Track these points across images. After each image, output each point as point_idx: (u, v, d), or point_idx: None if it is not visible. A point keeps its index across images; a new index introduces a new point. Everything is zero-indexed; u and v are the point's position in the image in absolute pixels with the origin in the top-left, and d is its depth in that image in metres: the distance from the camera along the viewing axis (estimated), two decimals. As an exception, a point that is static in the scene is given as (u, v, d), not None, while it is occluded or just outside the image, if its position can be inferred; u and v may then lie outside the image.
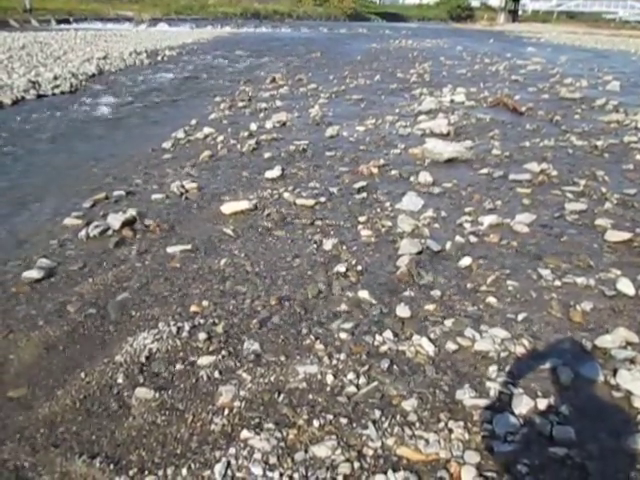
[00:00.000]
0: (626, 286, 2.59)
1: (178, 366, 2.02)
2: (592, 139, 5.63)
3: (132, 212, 3.45)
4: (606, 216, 3.53)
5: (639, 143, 5.50)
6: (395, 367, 2.00)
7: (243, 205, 3.58)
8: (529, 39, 33.41)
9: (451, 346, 2.13)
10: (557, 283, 2.65)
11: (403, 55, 17.04)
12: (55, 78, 9.58)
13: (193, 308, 2.40)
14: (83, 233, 3.20)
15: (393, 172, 4.42)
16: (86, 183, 4.23)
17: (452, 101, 7.74)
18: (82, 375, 1.97)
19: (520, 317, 2.34)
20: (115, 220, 3.31)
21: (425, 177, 4.18)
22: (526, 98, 8.27)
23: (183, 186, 4.02)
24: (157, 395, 1.86)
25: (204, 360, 2.04)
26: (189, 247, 3.03)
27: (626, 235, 3.18)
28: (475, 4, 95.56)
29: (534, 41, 30.90)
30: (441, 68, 12.91)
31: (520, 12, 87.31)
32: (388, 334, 2.19)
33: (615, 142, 5.53)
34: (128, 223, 3.34)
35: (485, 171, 4.48)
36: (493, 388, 1.89)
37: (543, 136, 5.76)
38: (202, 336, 2.18)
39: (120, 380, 1.94)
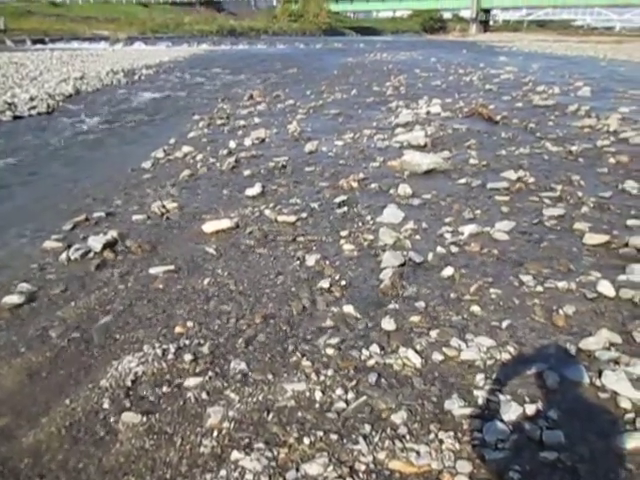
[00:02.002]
0: (606, 288, 2.63)
1: (165, 389, 2.00)
2: (566, 144, 5.74)
3: (113, 233, 3.43)
4: (583, 220, 3.59)
5: (612, 147, 5.62)
6: (383, 380, 2.01)
7: (225, 224, 3.58)
8: (501, 48, 34.06)
9: (437, 357, 2.14)
10: (539, 288, 2.69)
11: (378, 68, 17.23)
12: (31, 99, 9.53)
13: (178, 329, 2.38)
14: (64, 256, 3.17)
15: (373, 185, 4.45)
16: (66, 205, 4.20)
17: (428, 113, 7.84)
18: (67, 401, 1.94)
19: (504, 324, 2.36)
20: (96, 242, 3.28)
21: (405, 189, 4.22)
22: (500, 107, 8.41)
23: (164, 206, 4.00)
24: (144, 419, 1.84)
25: (191, 382, 2.02)
26: (172, 267, 3.02)
27: (604, 237, 3.24)
28: (447, 16, 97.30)
29: (506, 50, 31.50)
30: (416, 80, 13.08)
31: (491, 22, 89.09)
32: (374, 348, 2.19)
33: (589, 146, 5.65)
34: (109, 245, 3.31)
35: (463, 181, 4.53)
36: (481, 396, 1.91)
37: (519, 144, 5.85)
38: (188, 357, 2.16)
39: (106, 405, 1.91)
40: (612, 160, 5.09)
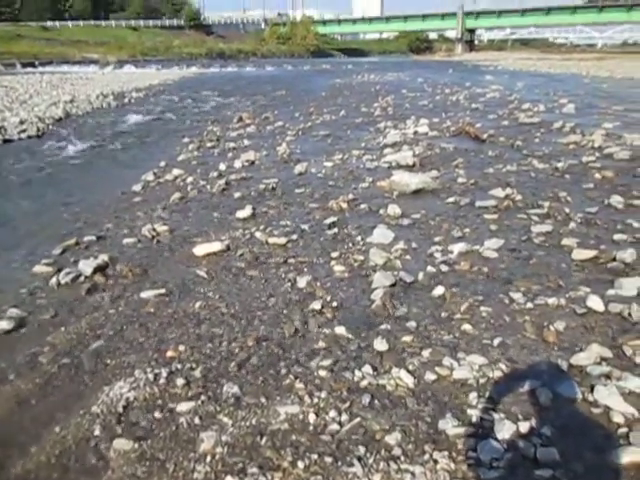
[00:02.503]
0: (595, 303, 2.65)
1: (157, 414, 1.98)
2: (553, 161, 5.82)
3: (104, 257, 3.42)
4: (571, 235, 3.63)
5: (597, 162, 5.70)
6: (376, 402, 2.00)
7: (215, 246, 3.58)
8: (486, 67, 34.63)
9: (430, 376, 2.15)
10: (529, 305, 2.70)
11: (366, 89, 17.44)
12: (21, 122, 9.55)
13: (170, 353, 2.37)
14: (54, 280, 3.15)
15: (362, 206, 4.48)
16: (56, 229, 4.19)
17: (416, 132, 7.93)
18: (57, 429, 1.91)
19: (496, 342, 2.37)
20: (86, 266, 3.27)
21: (394, 209, 4.25)
22: (487, 125, 8.53)
23: (154, 229, 4.00)
24: (136, 446, 1.82)
25: (183, 406, 2.01)
26: (163, 291, 3.01)
27: (592, 253, 3.27)
28: (433, 36, 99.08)
29: (491, 69, 32.04)
30: (403, 100, 13.25)
31: (476, 42, 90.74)
32: (367, 369, 2.19)
33: (575, 163, 5.73)
34: (100, 269, 3.30)
35: (452, 200, 4.57)
36: (475, 415, 1.91)
37: (506, 161, 5.93)
38: (180, 382, 2.15)
39: (97, 432, 1.89)
40: (598, 176, 5.17)
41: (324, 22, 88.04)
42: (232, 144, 7.61)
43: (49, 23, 66.54)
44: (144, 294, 2.98)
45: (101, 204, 4.86)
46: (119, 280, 3.21)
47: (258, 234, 3.86)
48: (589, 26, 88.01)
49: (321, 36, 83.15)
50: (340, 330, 2.51)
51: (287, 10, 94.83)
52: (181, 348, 2.41)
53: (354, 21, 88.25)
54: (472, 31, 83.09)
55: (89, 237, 3.91)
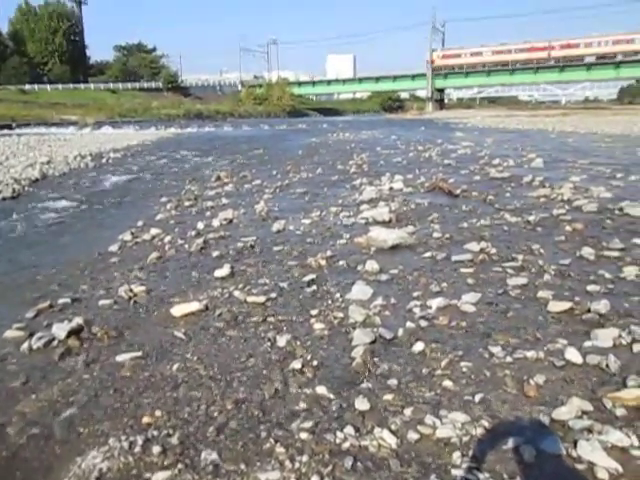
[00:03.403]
0: (574, 355, 2.68)
1: (132, 486, 1.90)
2: (524, 215, 5.97)
3: (78, 320, 3.35)
4: (546, 288, 3.68)
5: (567, 215, 5.87)
6: (359, 464, 1.96)
7: (193, 306, 3.55)
8: (457, 124, 35.86)
9: (413, 436, 2.11)
10: (509, 359, 2.71)
11: (342, 147, 17.86)
12: (-4, 185, 9.50)
13: (146, 419, 2.30)
14: (26, 345, 3.06)
15: (341, 262, 4.51)
16: (29, 291, 4.11)
17: (391, 189, 8.09)
18: (26, 507, 1.82)
19: (477, 398, 2.36)
20: (60, 330, 3.20)
21: (372, 265, 4.29)
22: (460, 180, 8.76)
23: (131, 290, 3.96)
24: (110, 521, 1.74)
25: (159, 476, 1.93)
26: (139, 354, 2.95)
27: (567, 304, 3.33)
28: (405, 96, 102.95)
29: (461, 126, 33.17)
30: (378, 157, 13.58)
31: (446, 100, 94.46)
32: (349, 429, 2.15)
33: (545, 216, 5.89)
34: (74, 332, 3.23)
35: (429, 254, 4.64)
36: (459, 476, 1.88)
37: (479, 216, 6.06)
38: (156, 449, 2.08)
39: (68, 508, 1.80)
40: (568, 228, 5.31)
41: (299, 83, 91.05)
42: (210, 203, 7.66)
43: (27, 86, 67.50)
44: (120, 357, 2.91)
45: (77, 265, 4.80)
46: (94, 343, 3.14)
47: (237, 293, 3.84)
48: (552, 84, 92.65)
49: (297, 97, 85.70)
50: (321, 390, 2.48)
51: (263, 72, 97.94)
52: (157, 413, 2.34)
53: (328, 82, 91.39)
54: (441, 90, 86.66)
55: (64, 299, 3.84)
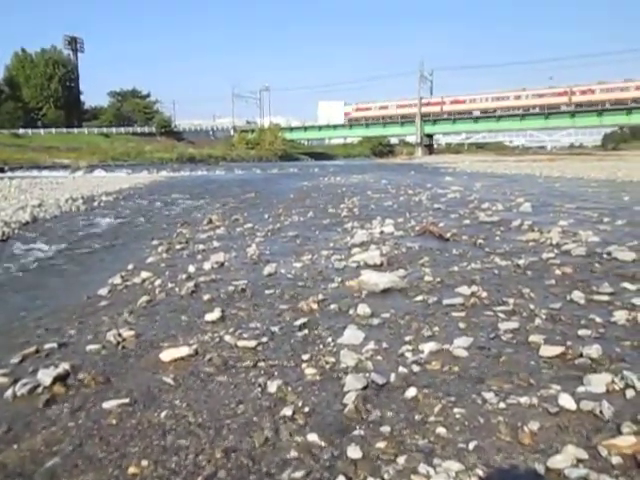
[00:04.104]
0: (567, 401, 2.65)
1: (116, 541, 1.83)
2: (514, 258, 6.01)
3: (65, 366, 3.29)
4: (538, 332, 3.67)
5: (556, 259, 5.91)
6: (351, 516, 1.91)
7: (183, 351, 3.49)
8: (446, 169, 36.49)
9: (406, 485, 2.07)
10: (502, 405, 2.68)
11: (333, 191, 18.07)
12: (-15, 228, 9.46)
13: (132, 470, 2.23)
14: (9, 392, 2.98)
15: (332, 306, 4.49)
16: (15, 336, 4.04)
17: (382, 232, 8.15)
18: None
19: (471, 446, 2.32)
20: (46, 376, 3.13)
21: (364, 309, 4.27)
22: (450, 224, 8.85)
23: (120, 334, 3.90)
24: None
25: (145, 530, 1.87)
26: (127, 400, 2.88)
27: (559, 349, 3.31)
28: (394, 141, 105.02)
29: (450, 171, 33.75)
30: (369, 201, 13.73)
31: (435, 145, 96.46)
32: (341, 479, 2.10)
33: (535, 259, 5.93)
34: (60, 378, 3.16)
35: (420, 298, 4.63)
36: (454, 528, 1.83)
37: (470, 259, 6.09)
38: (142, 502, 2.01)
39: None
40: (558, 272, 5.34)
41: (291, 129, 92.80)
42: (201, 246, 7.66)
43: (21, 130, 68.23)
44: (106, 404, 2.84)
45: (65, 309, 4.74)
46: (80, 390, 3.07)
47: (227, 337, 3.80)
48: (539, 130, 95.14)
49: (288, 141, 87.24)
50: (312, 437, 2.43)
51: (255, 118, 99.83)
52: (144, 463, 2.28)
53: (319, 127, 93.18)
54: (430, 136, 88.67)
55: (50, 344, 3.77)
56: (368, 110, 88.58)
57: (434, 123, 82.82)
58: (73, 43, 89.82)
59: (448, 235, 7.67)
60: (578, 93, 71.62)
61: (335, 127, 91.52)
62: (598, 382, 2.84)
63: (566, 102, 72.58)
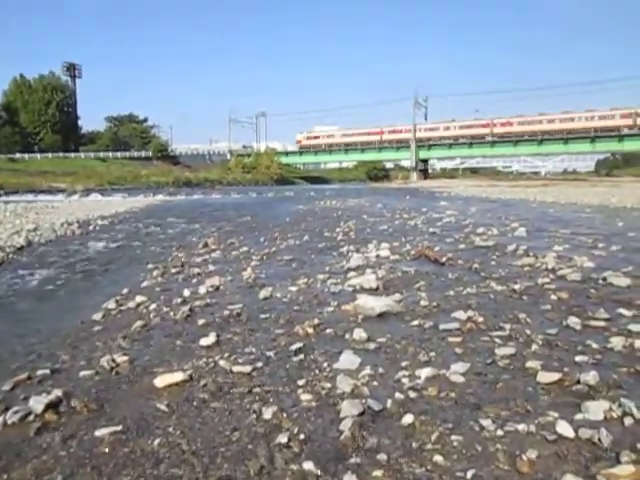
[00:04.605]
0: (565, 429, 2.62)
1: None
2: (510, 283, 6.00)
3: (57, 392, 3.24)
4: (535, 358, 3.65)
5: (552, 284, 5.91)
6: None
7: (177, 377, 3.46)
8: (441, 193, 36.71)
9: (404, 515, 2.03)
10: (499, 433, 2.65)
11: (329, 215, 18.12)
12: (-21, 253, 9.41)
13: (124, 500, 2.19)
14: (0, 420, 2.94)
15: (328, 330, 4.46)
16: (7, 363, 3.98)
17: (378, 256, 8.16)
18: None
19: (469, 474, 2.29)
20: (38, 403, 3.08)
21: (360, 333, 4.25)
22: (445, 249, 8.86)
23: (114, 360, 3.86)
24: None
25: None
26: (119, 428, 2.84)
27: (556, 376, 3.29)
28: (389, 165, 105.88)
29: (445, 195, 33.96)
30: (365, 225, 13.77)
31: (430, 170, 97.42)
32: (337, 509, 2.07)
33: (531, 284, 5.93)
34: (52, 405, 3.11)
35: (416, 323, 4.62)
36: None
37: (465, 284, 6.09)
38: (134, 533, 1.97)
39: None
40: (553, 297, 5.34)
41: (287, 153, 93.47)
42: (197, 270, 7.64)
43: (18, 155, 68.51)
44: (99, 432, 2.80)
45: (58, 334, 4.70)
46: (73, 417, 3.02)
47: (222, 362, 3.76)
48: (532, 156, 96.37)
49: (284, 165, 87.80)
50: (308, 465, 2.39)
51: (252, 142, 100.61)
52: (136, 493, 2.24)
53: (315, 152, 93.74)
54: (425, 161, 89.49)
55: (43, 371, 3.72)
56: (317, 139, 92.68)
57: (429, 148, 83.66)
58: (72, 69, 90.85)
59: (444, 259, 7.68)
60: (499, 125, 76.92)
61: (331, 152, 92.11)
62: (596, 409, 2.81)
63: (488, 133, 78.84)
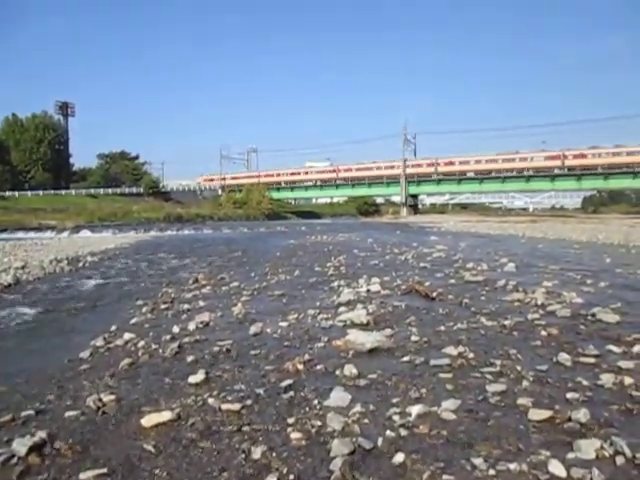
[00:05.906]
0: (557, 468, 2.59)
1: None
2: (500, 319, 6.00)
3: (41, 434, 3.17)
4: (526, 395, 3.63)
5: (542, 320, 5.92)
6: None
7: (165, 416, 3.40)
8: (431, 228, 36.99)
9: None
10: (491, 472, 2.62)
11: (319, 249, 18.15)
12: (-34, 291, 9.31)
13: None
14: (-18, 464, 2.87)
15: (319, 367, 4.43)
16: (-10, 404, 3.91)
17: (368, 291, 8.15)
18: None
19: (461, 515, 2.25)
20: (21, 445, 3.01)
21: (350, 369, 4.22)
22: (435, 284, 8.87)
23: (100, 399, 3.79)
24: None
25: None
26: (104, 470, 2.77)
27: (547, 413, 3.27)
28: (380, 200, 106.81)
29: (435, 230, 34.20)
30: (355, 260, 13.79)
31: (420, 205, 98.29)
32: None
33: (521, 320, 5.93)
34: (36, 447, 3.04)
35: (407, 358, 4.59)
36: None
37: (456, 319, 6.08)
38: None
39: None
40: (544, 333, 5.34)
41: (278, 188, 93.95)
42: (186, 305, 7.59)
43: (8, 193, 68.44)
44: (83, 475, 2.73)
45: (44, 373, 4.62)
46: (57, 460, 2.95)
47: (211, 400, 3.71)
48: (520, 193, 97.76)
49: (275, 200, 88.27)
50: (297, 508, 2.34)
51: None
52: (121, 539, 2.17)
53: (306, 187, 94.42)
54: (415, 196, 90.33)
55: (27, 412, 3.64)
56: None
57: (419, 184, 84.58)
58: (64, 108, 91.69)
59: (434, 294, 7.68)
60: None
61: (322, 187, 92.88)
62: (588, 448, 2.79)
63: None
